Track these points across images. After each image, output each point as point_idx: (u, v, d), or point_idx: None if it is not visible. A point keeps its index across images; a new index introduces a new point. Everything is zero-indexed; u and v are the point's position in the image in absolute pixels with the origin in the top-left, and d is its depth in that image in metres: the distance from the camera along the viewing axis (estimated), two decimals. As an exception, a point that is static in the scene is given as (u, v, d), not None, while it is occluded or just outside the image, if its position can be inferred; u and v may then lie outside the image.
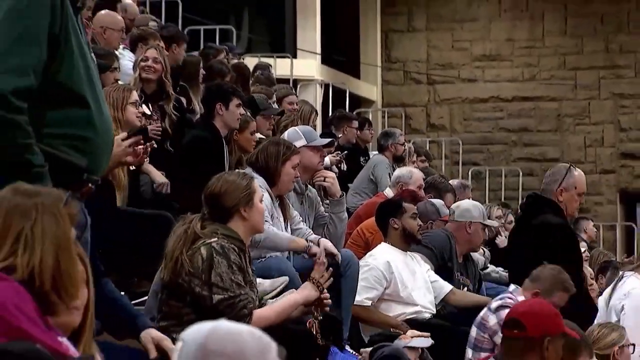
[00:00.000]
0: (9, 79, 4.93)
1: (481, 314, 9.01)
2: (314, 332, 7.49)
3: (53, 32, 5.06)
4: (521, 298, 8.89)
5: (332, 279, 7.72)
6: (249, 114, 11.45)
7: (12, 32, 4.98)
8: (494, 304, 9.02)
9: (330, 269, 7.98)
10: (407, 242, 10.14)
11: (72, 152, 5.14)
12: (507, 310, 8.89)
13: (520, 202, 22.96)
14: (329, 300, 7.68)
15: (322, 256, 8.40)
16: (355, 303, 9.30)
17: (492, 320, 8.93)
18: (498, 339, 8.85)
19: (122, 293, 6.98)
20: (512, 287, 9.39)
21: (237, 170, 8.89)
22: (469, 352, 8.91)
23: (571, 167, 10.19)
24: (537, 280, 9.04)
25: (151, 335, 6.13)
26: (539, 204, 10.00)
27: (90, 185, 5.30)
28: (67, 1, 5.14)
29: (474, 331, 8.97)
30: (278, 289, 7.55)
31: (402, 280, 9.92)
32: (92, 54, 5.46)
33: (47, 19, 5.04)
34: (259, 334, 4.04)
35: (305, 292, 7.44)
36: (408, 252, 10.17)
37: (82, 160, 5.19)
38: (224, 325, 4.06)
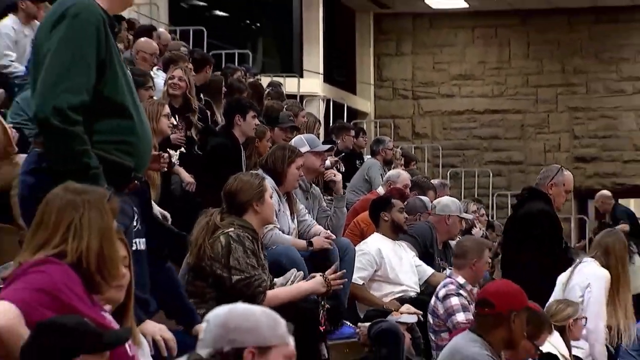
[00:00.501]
0: (66, 98, 4.93)
1: (432, 302, 8.99)
2: (321, 319, 7.46)
3: (99, 56, 5.04)
4: (459, 277, 8.93)
5: (342, 280, 7.74)
6: (261, 124, 11.47)
7: (66, 59, 4.97)
8: (441, 292, 8.99)
9: (344, 270, 8.04)
10: (396, 232, 10.11)
11: (121, 155, 5.14)
12: (452, 298, 8.94)
13: (490, 198, 23.04)
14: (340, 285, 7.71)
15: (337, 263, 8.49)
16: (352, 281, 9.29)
17: (441, 309, 8.93)
18: (450, 323, 8.85)
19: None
20: (447, 271, 9.41)
21: (251, 171, 8.85)
22: (431, 336, 8.87)
23: (562, 168, 10.32)
24: (464, 254, 9.08)
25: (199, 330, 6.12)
26: (533, 195, 10.10)
27: (136, 182, 5.30)
28: (108, 29, 5.12)
29: (430, 318, 8.97)
30: (289, 283, 7.49)
31: (390, 264, 9.90)
32: (129, 71, 5.45)
33: (94, 45, 5.02)
34: (270, 312, 4.03)
35: (316, 286, 7.39)
36: (396, 241, 10.14)
37: (129, 161, 5.18)
38: (240, 306, 4.05)
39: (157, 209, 8.25)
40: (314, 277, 7.50)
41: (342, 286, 7.80)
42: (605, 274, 9.15)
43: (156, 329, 5.72)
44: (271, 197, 7.42)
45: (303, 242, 8.52)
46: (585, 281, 9.07)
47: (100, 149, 5.01)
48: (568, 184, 10.17)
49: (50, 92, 4.95)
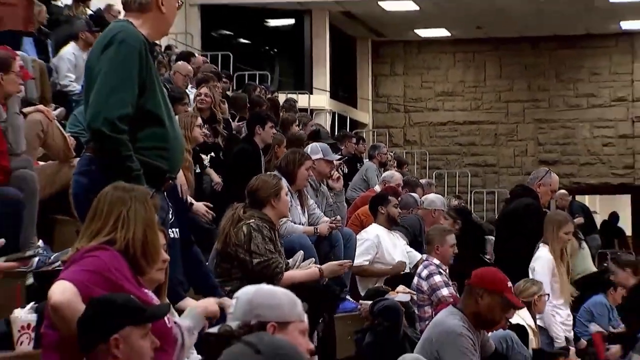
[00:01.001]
0: (115, 110, 4.92)
1: (415, 281, 8.92)
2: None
3: (141, 76, 5.04)
4: (435, 260, 8.92)
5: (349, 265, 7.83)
6: (279, 133, 11.50)
7: (115, 78, 4.97)
8: (424, 272, 8.92)
9: (350, 261, 8.10)
10: (390, 223, 10.09)
11: (158, 159, 5.11)
12: (435, 276, 8.92)
13: (469, 195, 23.04)
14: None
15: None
16: (356, 264, 9.28)
17: (425, 286, 8.89)
18: (435, 297, 8.82)
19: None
20: (424, 255, 9.38)
21: (268, 172, 8.85)
22: (415, 310, 8.82)
23: (550, 171, 10.41)
24: (430, 241, 9.06)
25: (224, 303, 6.11)
26: (524, 191, 10.16)
27: (170, 181, 5.29)
28: (148, 53, 5.11)
29: (415, 280, 8.94)
30: (297, 262, 7.48)
31: (387, 249, 9.88)
32: (165, 88, 5.45)
33: (137, 67, 5.01)
34: (289, 293, 4.03)
35: (332, 268, 7.40)
36: (391, 231, 10.12)
37: (164, 164, 5.16)
38: (265, 286, 4.05)
39: (215, 177, 8.23)
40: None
41: (346, 270, 7.83)
42: (545, 255, 9.14)
43: (195, 303, 5.73)
44: (286, 195, 7.42)
45: (311, 228, 8.49)
46: (534, 262, 9.10)
47: (141, 154, 4.99)
48: (554, 185, 10.26)
49: (101, 105, 4.95)
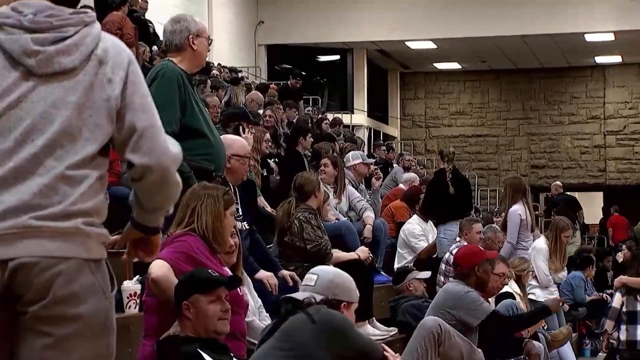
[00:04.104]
0: (164, 128, 4.89)
1: (446, 255, 8.62)
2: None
3: (181, 99, 5.02)
4: (463, 241, 8.57)
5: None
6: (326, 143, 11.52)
7: (162, 101, 4.93)
8: (455, 250, 8.79)
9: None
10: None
11: (204, 162, 5.05)
12: None
13: (476, 193, 22.89)
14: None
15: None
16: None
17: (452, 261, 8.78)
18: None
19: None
20: (457, 238, 9.16)
21: (310, 171, 8.72)
22: (441, 278, 8.63)
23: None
24: (461, 229, 8.88)
25: (283, 273, 6.10)
26: None
27: (217, 179, 5.19)
28: (187, 81, 5.08)
29: (442, 266, 8.62)
30: None
31: (425, 234, 9.76)
32: (204, 107, 5.40)
33: (177, 92, 5.00)
34: (352, 280, 4.04)
35: (364, 254, 7.29)
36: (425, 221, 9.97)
37: (210, 165, 5.10)
38: (341, 271, 4.10)
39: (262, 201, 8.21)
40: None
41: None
42: (542, 245, 9.05)
43: (267, 275, 5.73)
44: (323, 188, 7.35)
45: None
46: (530, 250, 8.98)
47: (192, 160, 4.87)
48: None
49: None
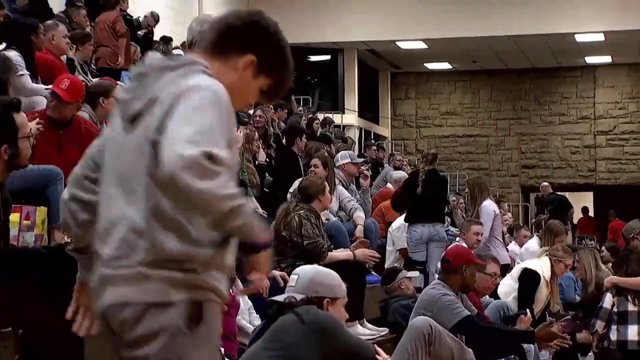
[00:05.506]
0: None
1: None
2: None
3: None
4: (461, 241, 8.59)
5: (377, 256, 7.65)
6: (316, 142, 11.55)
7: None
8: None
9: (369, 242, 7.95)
10: None
11: None
12: None
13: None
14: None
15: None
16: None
17: None
18: None
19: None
20: (457, 239, 9.20)
21: (314, 174, 8.73)
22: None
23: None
24: (460, 229, 8.91)
25: (274, 273, 6.09)
26: None
27: None
28: None
29: (439, 264, 8.72)
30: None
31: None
32: None
33: None
34: (337, 275, 4.03)
35: (364, 253, 7.29)
36: None
37: None
38: (321, 268, 4.06)
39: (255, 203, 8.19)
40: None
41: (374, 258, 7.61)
42: (532, 246, 9.07)
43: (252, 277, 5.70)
44: (329, 192, 7.34)
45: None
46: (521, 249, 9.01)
47: None
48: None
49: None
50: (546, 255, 7.76)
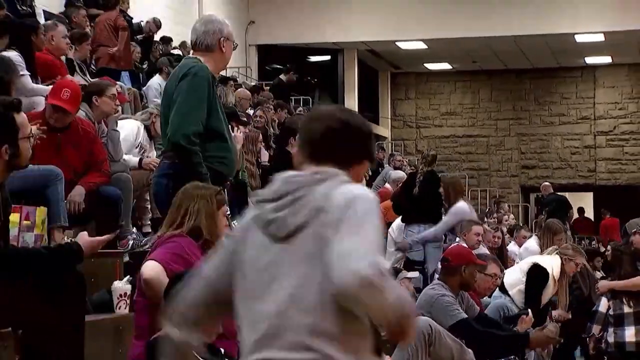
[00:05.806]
0: (191, 128, 4.90)
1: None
2: None
3: (209, 101, 5.01)
4: (461, 241, 8.56)
5: None
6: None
7: (191, 102, 4.95)
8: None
9: None
10: None
11: (220, 166, 5.08)
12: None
13: (467, 193, 22.89)
14: None
15: None
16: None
17: None
18: None
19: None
20: (457, 238, 9.19)
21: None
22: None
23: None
24: (461, 229, 8.87)
25: None
26: None
27: (228, 182, 5.25)
28: (212, 82, 5.08)
29: (439, 264, 8.69)
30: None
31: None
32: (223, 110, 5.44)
33: (206, 94, 5.00)
34: None
35: None
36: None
37: (224, 170, 5.12)
38: None
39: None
40: None
41: None
42: (531, 245, 9.06)
43: None
44: None
45: None
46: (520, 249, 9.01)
47: (208, 162, 4.95)
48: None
49: (180, 124, 4.94)
50: (557, 253, 7.72)
